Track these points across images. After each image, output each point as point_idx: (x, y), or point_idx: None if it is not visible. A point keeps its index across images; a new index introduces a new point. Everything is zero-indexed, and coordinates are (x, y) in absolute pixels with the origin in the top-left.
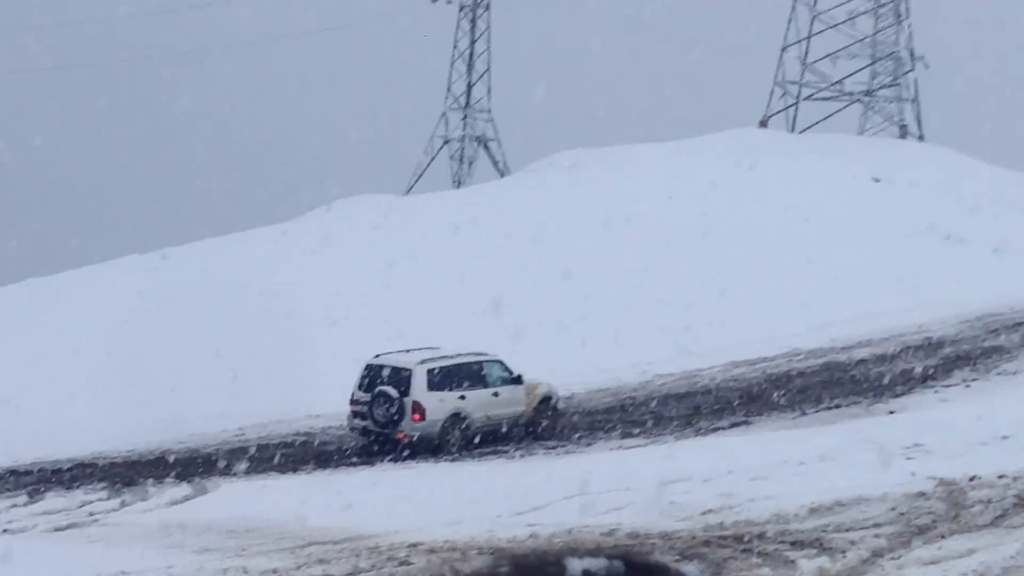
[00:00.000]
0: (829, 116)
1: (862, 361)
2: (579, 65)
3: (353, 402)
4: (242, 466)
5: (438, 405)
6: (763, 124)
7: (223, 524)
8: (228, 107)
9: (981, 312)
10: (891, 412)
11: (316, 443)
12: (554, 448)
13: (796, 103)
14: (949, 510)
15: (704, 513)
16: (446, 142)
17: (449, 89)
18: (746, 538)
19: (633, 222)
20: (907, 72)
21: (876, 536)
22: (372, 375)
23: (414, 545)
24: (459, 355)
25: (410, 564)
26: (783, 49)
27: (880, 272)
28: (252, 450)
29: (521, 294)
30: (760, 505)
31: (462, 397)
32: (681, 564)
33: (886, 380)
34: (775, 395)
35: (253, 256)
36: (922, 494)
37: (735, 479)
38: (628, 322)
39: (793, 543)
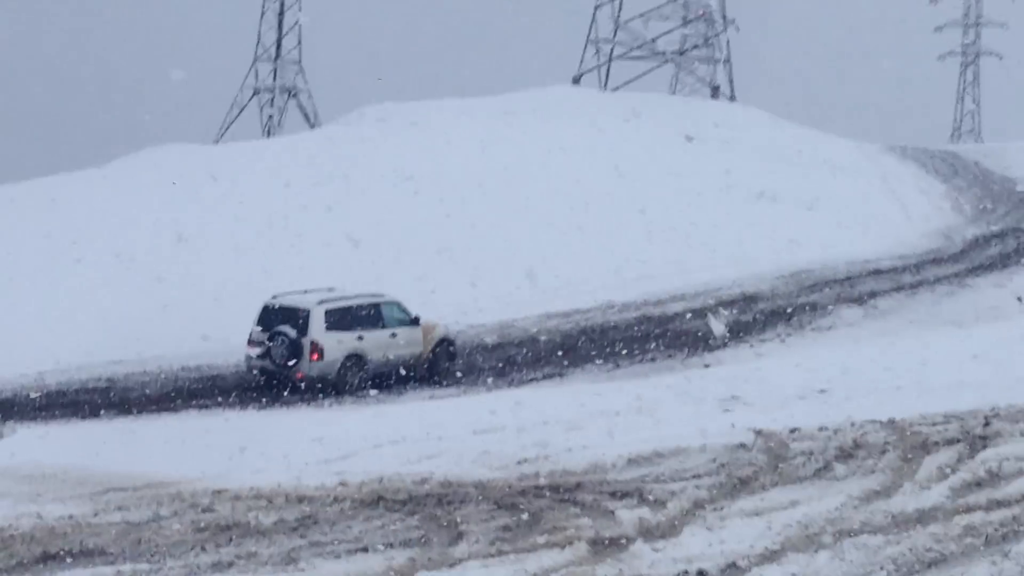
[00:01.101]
0: (642, 75)
1: (677, 315)
2: (391, 19)
3: (251, 342)
4: (39, 412)
5: (336, 345)
6: (576, 81)
7: (17, 469)
8: (36, 50)
9: (795, 268)
10: (706, 366)
11: (119, 388)
12: (365, 397)
13: (609, 61)
14: (771, 462)
15: (519, 463)
16: (256, 92)
17: (259, 39)
18: (563, 488)
19: (442, 176)
20: (719, 34)
21: (697, 487)
22: (270, 316)
23: (218, 492)
24: (357, 296)
25: (214, 511)
26: (596, 7)
27: (694, 228)
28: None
29: (326, 246)
30: (576, 455)
31: (360, 338)
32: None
33: (701, 334)
34: (590, 347)
35: (67, 200)
36: (742, 446)
37: (550, 429)
38: (439, 275)
39: (612, 493)
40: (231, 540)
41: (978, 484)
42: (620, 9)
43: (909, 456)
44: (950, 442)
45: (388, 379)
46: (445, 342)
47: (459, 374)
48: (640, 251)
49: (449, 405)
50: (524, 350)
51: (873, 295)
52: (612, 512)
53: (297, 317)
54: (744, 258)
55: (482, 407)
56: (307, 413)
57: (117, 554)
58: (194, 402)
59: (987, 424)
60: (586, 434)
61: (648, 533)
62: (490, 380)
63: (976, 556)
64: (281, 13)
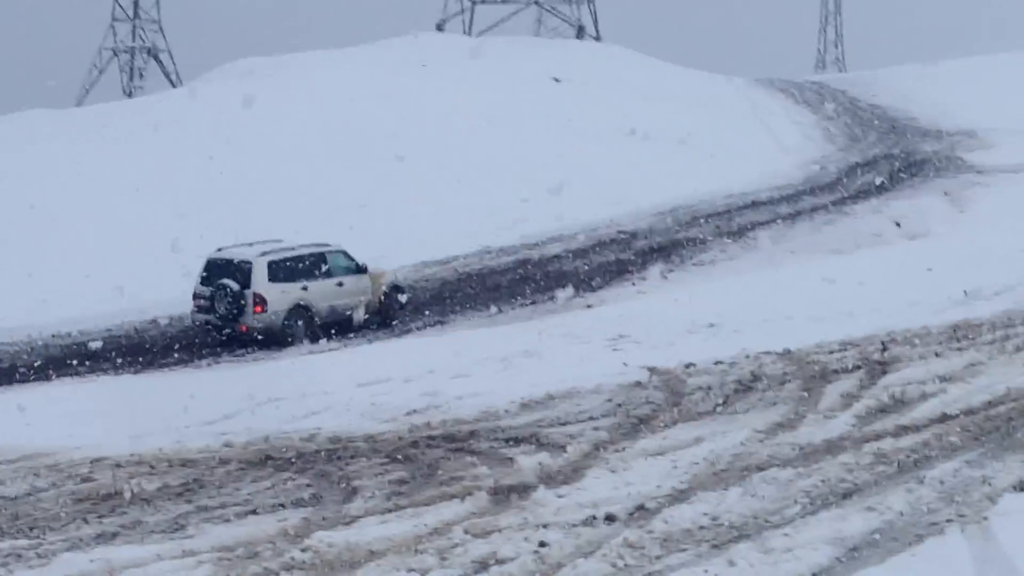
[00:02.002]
0: (506, 19)
1: (555, 257)
2: None
3: (195, 296)
4: None
5: (280, 296)
6: (440, 28)
7: None
8: None
9: (672, 204)
10: (589, 306)
11: None
12: (243, 355)
13: (472, 6)
14: (669, 399)
15: (408, 414)
16: (115, 54)
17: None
18: (457, 437)
19: (312, 129)
20: None
21: (595, 429)
22: (213, 269)
23: (97, 460)
24: (301, 246)
25: (93, 480)
26: None
27: (568, 169)
28: None
29: (204, 202)
30: (467, 403)
31: (305, 288)
32: None
33: (582, 275)
34: (469, 293)
35: None
36: (638, 384)
37: (437, 378)
38: (314, 228)
39: (508, 440)
40: (114, 509)
41: (883, 411)
42: None
43: (809, 386)
44: (850, 370)
45: (338, 329)
46: (395, 289)
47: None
48: (515, 194)
49: (331, 358)
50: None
51: (752, 227)
52: (510, 459)
53: (240, 269)
54: (620, 197)
55: (365, 359)
56: (185, 374)
57: None
58: (66, 369)
59: (885, 350)
60: (474, 381)
61: (550, 479)
62: (371, 332)
63: (890, 484)
64: None
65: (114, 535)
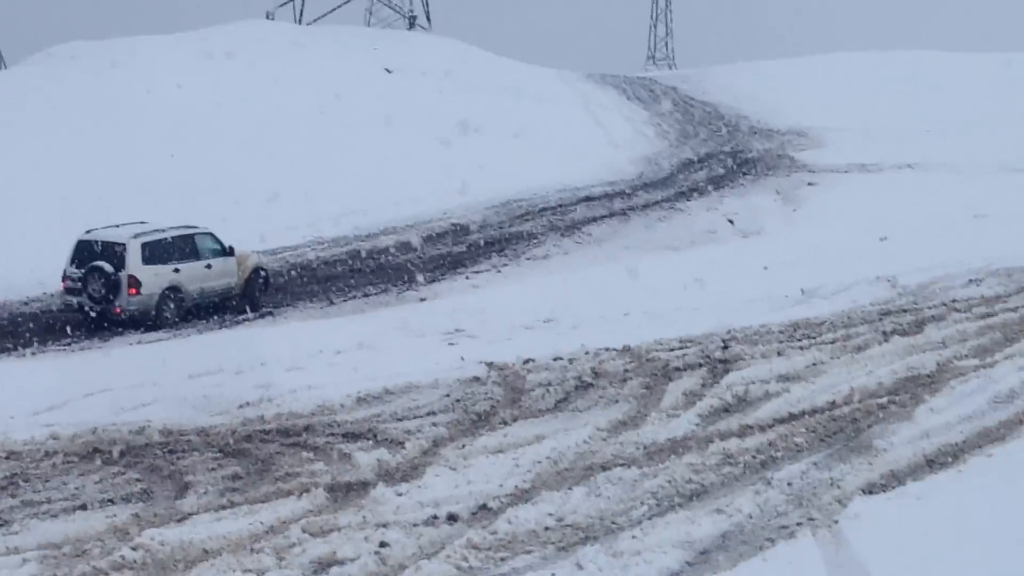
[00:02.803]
0: (336, 8)
1: (388, 249)
2: None
3: (65, 278)
4: None
5: (153, 279)
6: (270, 16)
7: None
8: None
9: (506, 198)
10: (423, 299)
11: None
12: (69, 344)
13: None
14: (508, 395)
15: (241, 407)
16: None
17: None
18: (292, 432)
19: (142, 114)
20: None
21: (434, 425)
22: (84, 251)
23: None
24: (171, 228)
25: None
26: None
27: (400, 161)
28: None
29: (31, 190)
30: (302, 396)
31: (176, 270)
32: None
33: (415, 267)
34: (301, 284)
35: None
36: (476, 379)
37: (269, 370)
38: (145, 215)
39: (345, 435)
40: None
41: (726, 410)
42: None
43: (651, 383)
44: (691, 367)
45: (211, 310)
46: (259, 271)
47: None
48: (346, 186)
49: (159, 349)
50: None
51: (586, 222)
52: (347, 455)
53: (113, 251)
54: (452, 189)
55: (196, 350)
56: (9, 362)
57: None
58: None
59: (726, 347)
60: (308, 374)
61: (389, 476)
62: (199, 322)
63: (738, 485)
64: None
65: None
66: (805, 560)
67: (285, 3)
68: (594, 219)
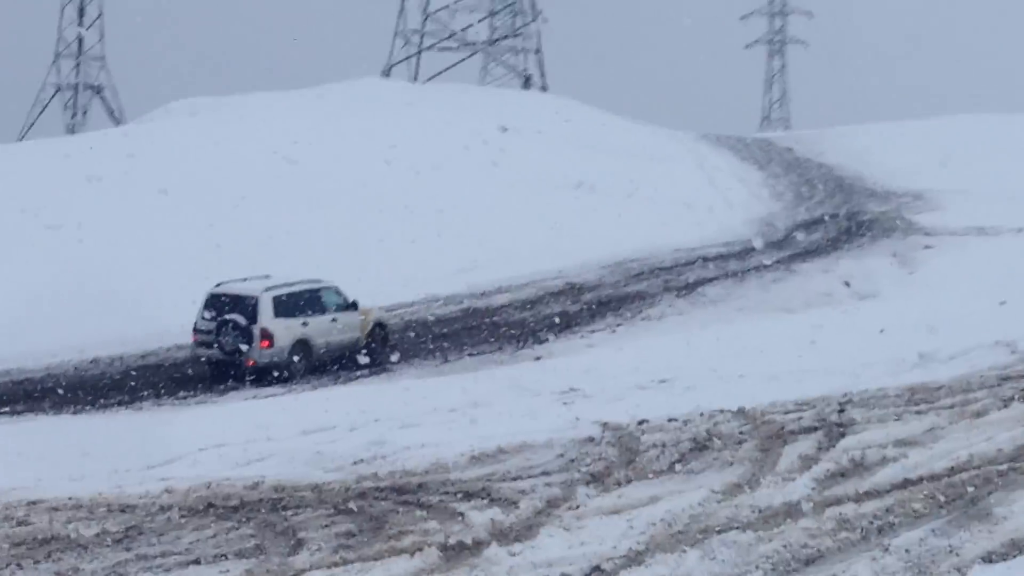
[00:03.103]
0: (452, 66)
1: (502, 307)
2: (196, 13)
3: (197, 331)
4: None
5: (284, 332)
6: (386, 74)
7: None
8: None
9: (620, 258)
10: (537, 358)
11: None
12: (185, 398)
13: (419, 52)
14: (622, 456)
15: (355, 463)
16: (58, 90)
17: (60, 35)
18: (405, 489)
19: (257, 170)
20: (528, 24)
21: (548, 485)
22: (216, 304)
23: (34, 503)
24: (299, 282)
25: (29, 524)
26: None
27: (515, 219)
28: None
29: (146, 244)
30: (415, 454)
31: (305, 324)
32: None
33: (529, 326)
34: (416, 342)
35: None
36: (591, 439)
37: (384, 427)
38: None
39: (457, 494)
40: (50, 555)
41: (843, 474)
42: (428, 0)
43: (766, 446)
44: (807, 431)
45: (331, 364)
46: (379, 326)
47: (285, 372)
48: (461, 243)
49: (275, 405)
50: None
51: (701, 283)
52: (461, 514)
53: (245, 304)
54: (567, 248)
55: (310, 406)
56: (127, 416)
57: None
58: (3, 408)
59: (842, 411)
60: (423, 431)
61: (502, 536)
62: (315, 378)
63: (854, 551)
64: (82, 8)
65: None
66: None
67: (401, 61)
68: (709, 280)
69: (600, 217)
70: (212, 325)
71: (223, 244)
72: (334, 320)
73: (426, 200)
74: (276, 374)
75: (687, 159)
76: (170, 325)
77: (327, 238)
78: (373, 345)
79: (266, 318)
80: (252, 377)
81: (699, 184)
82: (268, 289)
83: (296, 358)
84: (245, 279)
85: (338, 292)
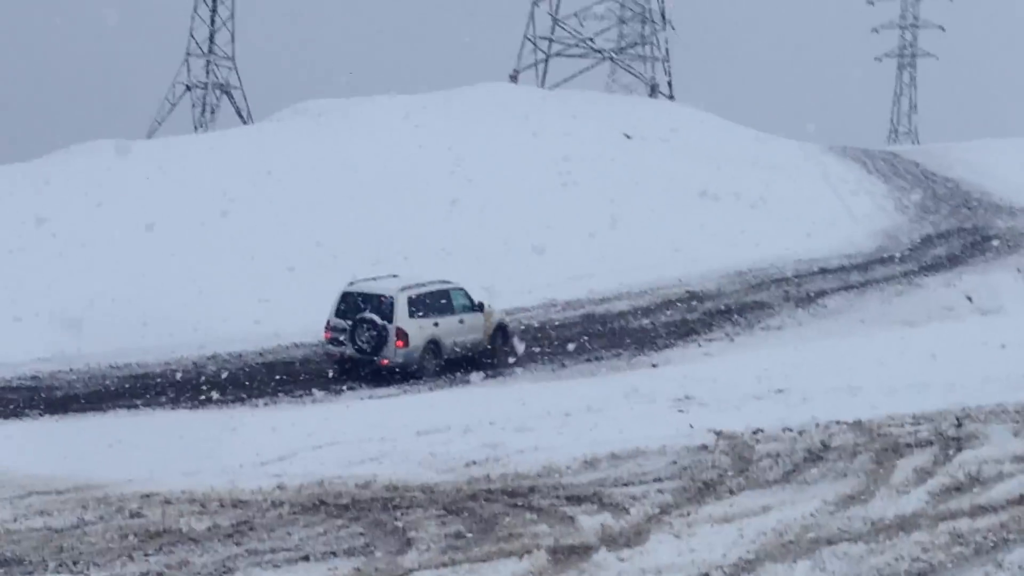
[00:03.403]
0: (579, 73)
1: (622, 313)
2: (324, 15)
3: (330, 329)
4: None
5: (418, 332)
6: (513, 79)
7: None
8: None
9: (741, 267)
10: (654, 365)
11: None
12: (301, 396)
13: (547, 58)
14: (735, 465)
15: (468, 465)
16: (188, 88)
17: (191, 34)
18: (516, 492)
19: (383, 172)
20: (656, 32)
21: (660, 492)
22: (350, 302)
23: (147, 495)
24: (431, 282)
25: (143, 516)
26: (534, 4)
27: (637, 226)
28: None
29: (270, 239)
30: (528, 457)
31: (436, 324)
32: None
33: (647, 333)
34: (533, 346)
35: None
36: (704, 447)
37: (498, 430)
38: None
39: (569, 498)
40: (161, 548)
41: (958, 488)
42: (558, 6)
43: (881, 459)
44: (923, 444)
45: (457, 365)
46: (501, 328)
47: (398, 373)
48: (581, 249)
49: (390, 405)
50: None
51: (821, 294)
52: (571, 518)
53: (380, 303)
54: (688, 257)
55: (425, 407)
56: (243, 412)
57: (37, 563)
58: (121, 401)
59: (959, 425)
60: (537, 435)
61: (611, 541)
62: (431, 381)
63: (967, 566)
64: (214, 8)
65: (159, 574)
66: None
67: (529, 66)
68: (829, 291)
69: (722, 226)
70: (346, 323)
71: (343, 245)
72: (461, 321)
73: (546, 206)
74: (408, 374)
75: (812, 170)
76: (285, 324)
77: (451, 241)
78: (496, 347)
79: (401, 317)
80: (384, 376)
81: (823, 195)
82: (403, 289)
83: (428, 357)
84: (375, 278)
85: (466, 294)
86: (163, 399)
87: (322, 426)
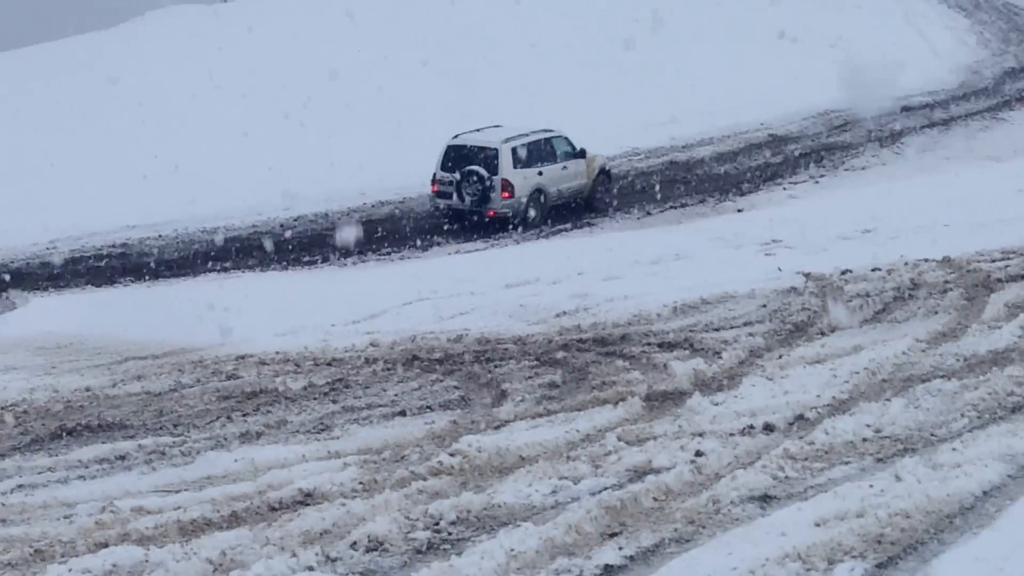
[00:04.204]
0: None
1: (704, 160)
2: None
3: (435, 181)
4: (53, 281)
5: (523, 182)
6: None
7: (31, 341)
8: None
9: (823, 108)
10: (740, 210)
11: (134, 254)
12: (389, 253)
13: None
14: (826, 306)
15: (558, 316)
16: None
17: None
18: (607, 341)
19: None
20: None
21: (751, 335)
22: (454, 156)
23: (242, 357)
24: (533, 132)
25: (239, 378)
26: None
27: (716, 71)
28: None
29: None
30: (618, 306)
31: (540, 173)
32: None
33: (731, 178)
34: (618, 195)
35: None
36: (793, 289)
37: (586, 280)
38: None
39: (660, 345)
40: (258, 408)
41: None
42: None
43: (972, 295)
44: (1014, 279)
45: (562, 210)
46: (604, 173)
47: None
48: (662, 95)
49: (477, 258)
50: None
51: (905, 133)
52: (663, 365)
53: (485, 156)
54: (769, 99)
55: (513, 260)
56: (333, 272)
57: (138, 427)
58: (212, 265)
59: None
60: (625, 283)
61: (704, 385)
62: (517, 231)
63: None
64: None
65: (258, 435)
66: None
67: None
68: (913, 129)
69: (803, 67)
70: (452, 176)
71: (417, 106)
72: (565, 168)
73: (625, 56)
74: (515, 222)
75: (892, 6)
76: (371, 182)
77: (537, 91)
78: (600, 191)
79: (506, 169)
80: (492, 226)
81: (904, 32)
82: (507, 140)
83: (532, 206)
84: (479, 130)
85: (568, 141)
86: (252, 261)
87: (411, 283)
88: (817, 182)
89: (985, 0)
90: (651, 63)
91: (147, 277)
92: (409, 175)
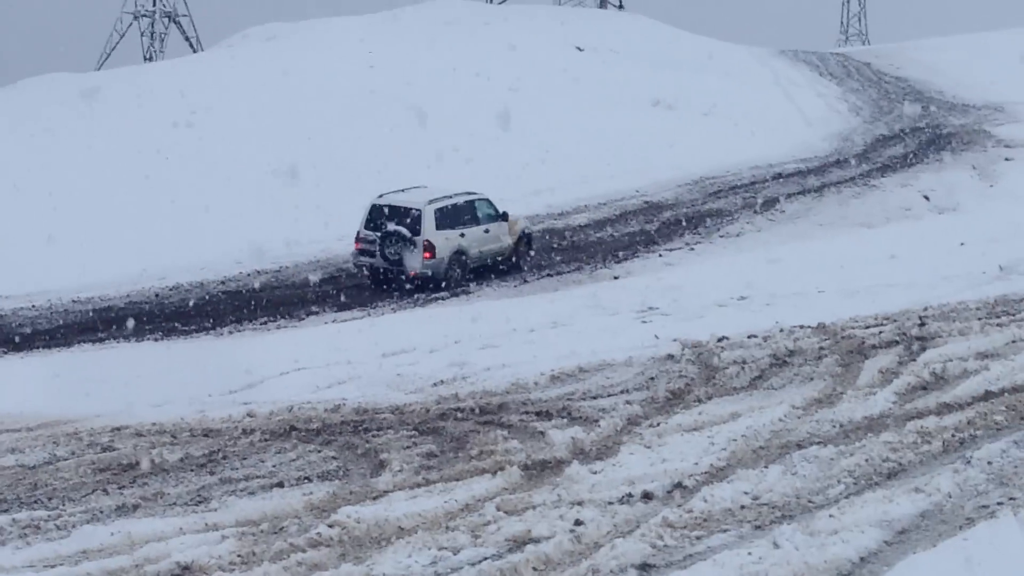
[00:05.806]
0: None
1: (580, 227)
2: None
3: (359, 240)
4: None
5: (444, 243)
6: None
7: None
8: None
9: (698, 176)
10: (616, 277)
11: (6, 325)
12: (266, 323)
13: None
14: (702, 373)
15: (436, 384)
16: (136, 18)
17: None
18: (486, 410)
19: (331, 94)
20: None
21: (628, 403)
22: (378, 215)
23: (118, 429)
24: (457, 195)
25: (114, 450)
26: None
27: (592, 139)
28: None
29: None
30: (496, 374)
31: (462, 235)
32: None
33: (607, 245)
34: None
35: None
36: (670, 357)
37: (464, 348)
38: (344, 194)
39: (539, 413)
40: (135, 480)
41: (924, 388)
42: None
43: (847, 361)
44: (888, 345)
45: (483, 274)
46: (525, 235)
47: (367, 294)
48: (539, 163)
49: (353, 327)
50: None
51: (779, 199)
52: (542, 433)
53: (408, 216)
54: (645, 167)
55: (389, 329)
56: (207, 341)
57: (12, 500)
58: (86, 336)
59: (922, 324)
60: (502, 352)
61: (583, 454)
62: (393, 301)
63: (936, 464)
64: None
65: (135, 507)
66: (1006, 540)
67: None
68: (787, 196)
69: (677, 135)
70: (375, 236)
71: (303, 166)
72: (487, 231)
73: (507, 122)
74: (434, 284)
75: (764, 75)
76: (246, 251)
77: (407, 157)
78: (522, 252)
79: (428, 230)
80: (413, 287)
81: (777, 100)
82: (431, 202)
83: (454, 268)
84: (404, 190)
85: (490, 203)
86: (128, 332)
87: (288, 352)
88: (692, 249)
89: (856, 69)
90: (527, 131)
91: (19, 348)
92: (290, 243)
